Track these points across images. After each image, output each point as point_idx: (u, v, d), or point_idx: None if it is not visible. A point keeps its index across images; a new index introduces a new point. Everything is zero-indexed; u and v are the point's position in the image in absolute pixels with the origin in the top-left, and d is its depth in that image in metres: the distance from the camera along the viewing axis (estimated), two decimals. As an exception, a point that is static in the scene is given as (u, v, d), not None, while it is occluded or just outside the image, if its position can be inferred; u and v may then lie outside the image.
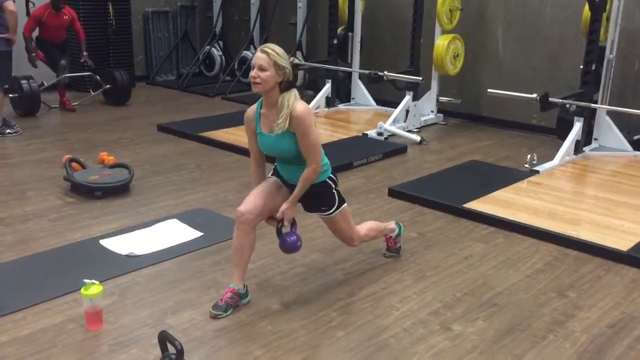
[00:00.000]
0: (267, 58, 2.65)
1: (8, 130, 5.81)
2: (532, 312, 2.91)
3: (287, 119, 2.68)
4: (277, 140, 2.75)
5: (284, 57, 2.69)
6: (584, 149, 5.39)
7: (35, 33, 6.62)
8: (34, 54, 6.51)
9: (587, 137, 5.43)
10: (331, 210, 2.92)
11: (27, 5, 6.85)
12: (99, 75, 7.26)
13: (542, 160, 5.05)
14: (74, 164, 4.63)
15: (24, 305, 2.84)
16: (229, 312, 2.80)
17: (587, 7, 5.31)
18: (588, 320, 2.84)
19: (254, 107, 2.85)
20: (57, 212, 3.99)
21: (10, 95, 6.39)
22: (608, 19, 5.34)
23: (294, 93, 2.74)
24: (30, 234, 3.66)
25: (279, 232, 2.87)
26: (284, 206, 2.82)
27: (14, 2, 5.46)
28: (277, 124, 2.70)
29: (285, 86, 2.71)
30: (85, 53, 6.94)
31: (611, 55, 5.35)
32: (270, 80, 2.66)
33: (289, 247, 2.86)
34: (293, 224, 2.88)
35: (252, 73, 2.68)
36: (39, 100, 6.53)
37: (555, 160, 5.07)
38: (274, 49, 2.68)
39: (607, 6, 5.26)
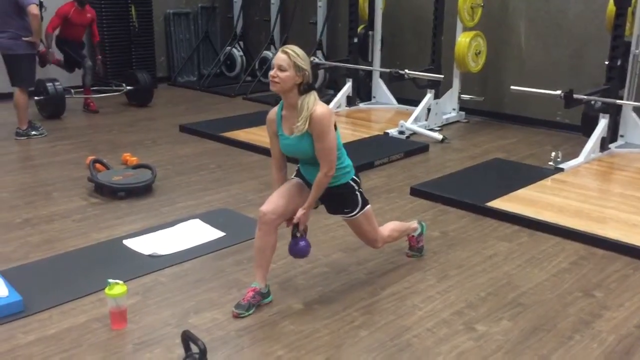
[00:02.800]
0: (287, 59, 2.65)
1: (33, 132, 5.89)
2: (558, 312, 2.87)
3: (307, 121, 2.67)
4: (297, 142, 2.75)
5: (305, 58, 2.69)
6: (610, 146, 5.30)
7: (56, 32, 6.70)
8: (49, 53, 6.57)
9: (612, 133, 5.34)
10: (354, 212, 2.91)
11: (40, 9, 6.92)
12: (122, 77, 7.35)
13: (566, 158, 4.98)
14: (98, 165, 4.68)
15: (49, 305, 2.87)
16: (251, 312, 2.80)
17: (611, 1, 5.22)
18: (615, 320, 2.79)
19: (275, 109, 2.86)
20: (81, 213, 4.03)
21: (36, 97, 6.48)
22: (633, 13, 5.24)
23: (314, 95, 2.73)
24: (55, 234, 3.71)
25: (293, 235, 2.87)
26: (299, 212, 2.81)
27: (37, 5, 5.53)
28: (296, 126, 2.70)
29: (305, 88, 2.70)
30: (99, 57, 7.02)
31: (637, 51, 5.25)
32: (288, 81, 2.66)
33: (298, 251, 2.88)
34: (305, 230, 2.89)
35: (272, 72, 2.68)
36: (64, 102, 6.61)
37: (581, 158, 4.99)
38: (295, 50, 2.68)
39: (633, 0, 5.16)
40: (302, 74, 2.67)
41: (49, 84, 6.46)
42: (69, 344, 2.60)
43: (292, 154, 2.84)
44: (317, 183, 2.77)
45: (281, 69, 2.66)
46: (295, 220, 2.83)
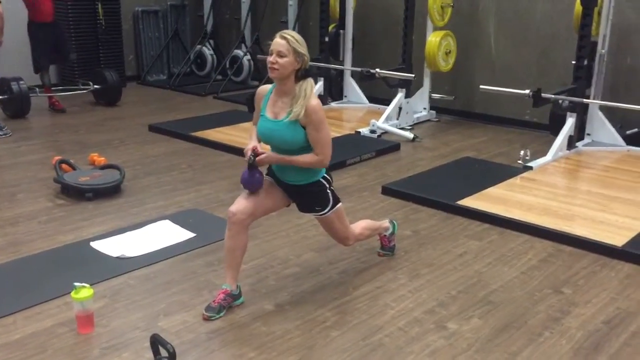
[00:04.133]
0: (286, 44, 2.62)
1: (-3, 132, 5.76)
2: (528, 309, 2.89)
3: (303, 108, 2.65)
4: (285, 127, 2.70)
5: (303, 44, 2.67)
6: (577, 144, 5.38)
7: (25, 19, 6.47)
8: None
9: (579, 132, 5.43)
10: (325, 211, 2.89)
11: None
12: (89, 76, 7.22)
13: (535, 156, 5.04)
14: (64, 166, 4.59)
15: (13, 310, 2.80)
16: (222, 314, 2.77)
17: (578, 2, 5.31)
18: (584, 317, 2.83)
19: (268, 86, 2.82)
20: (47, 215, 3.94)
21: (0, 96, 6.32)
22: (599, 13, 5.34)
23: (311, 82, 2.71)
24: (20, 236, 3.62)
25: (249, 165, 2.74)
26: (269, 153, 2.75)
27: (0, 2, 5.39)
28: (292, 110, 2.66)
29: (302, 74, 2.68)
30: None
31: (603, 50, 5.35)
32: (288, 67, 2.63)
33: (253, 183, 2.76)
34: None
35: (270, 59, 2.63)
36: (29, 101, 6.46)
37: (549, 156, 5.06)
38: (293, 36, 2.65)
39: (599, 1, 5.25)
40: (301, 60, 2.65)
41: (12, 83, 6.30)
42: (34, 349, 2.53)
43: (267, 138, 2.79)
44: (305, 157, 2.72)
45: (280, 54, 2.62)
46: (258, 150, 2.73)
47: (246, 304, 2.88)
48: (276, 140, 2.78)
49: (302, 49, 2.66)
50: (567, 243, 3.58)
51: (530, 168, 4.85)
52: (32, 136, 5.90)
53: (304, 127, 2.69)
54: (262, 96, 2.82)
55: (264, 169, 2.85)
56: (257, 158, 2.74)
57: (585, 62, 5.22)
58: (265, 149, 2.82)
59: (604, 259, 3.42)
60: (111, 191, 4.28)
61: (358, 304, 2.92)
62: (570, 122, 5.23)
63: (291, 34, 2.66)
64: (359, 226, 3.19)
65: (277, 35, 2.67)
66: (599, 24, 5.36)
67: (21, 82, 6.36)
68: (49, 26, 6.52)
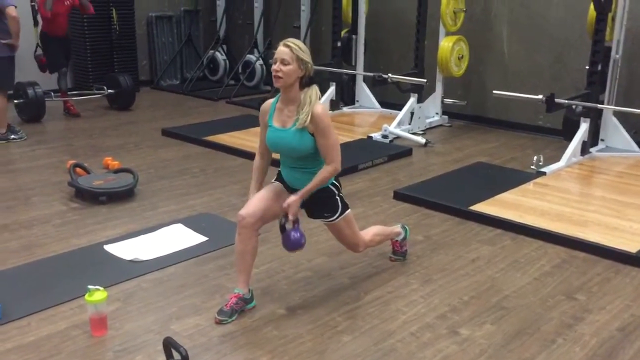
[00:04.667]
0: (290, 52, 2.63)
1: (13, 136, 5.81)
2: (541, 315, 2.88)
3: (309, 115, 2.66)
4: (288, 135, 2.71)
5: (306, 51, 2.68)
6: (591, 150, 5.35)
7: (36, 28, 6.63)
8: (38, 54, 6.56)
9: (593, 138, 5.40)
10: (334, 217, 2.89)
11: (34, 15, 6.83)
12: (103, 80, 7.29)
13: (548, 162, 5.02)
14: (79, 169, 4.62)
15: (28, 312, 2.82)
16: (234, 318, 2.78)
17: (592, 7, 5.28)
18: (597, 324, 2.81)
19: (271, 100, 2.84)
20: (61, 218, 3.98)
21: (15, 101, 6.40)
22: (613, 19, 5.31)
23: (315, 89, 2.72)
24: (34, 240, 3.65)
25: (282, 228, 2.77)
26: (290, 199, 2.74)
27: (15, 7, 5.46)
28: (298, 117, 2.68)
29: (307, 81, 2.70)
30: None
31: (617, 56, 5.31)
32: (292, 74, 2.64)
33: (292, 244, 2.78)
34: (296, 221, 2.78)
35: (275, 67, 2.65)
36: (44, 105, 6.53)
37: (562, 162, 5.03)
38: (297, 44, 2.67)
39: (613, 6, 5.23)
40: (304, 67, 2.66)
41: (28, 87, 6.37)
42: (48, 351, 2.55)
43: (276, 146, 2.81)
44: (320, 175, 2.73)
45: (284, 62, 2.64)
46: (284, 207, 2.74)
47: (258, 308, 2.89)
48: (284, 148, 2.80)
49: (306, 56, 2.67)
50: (580, 249, 3.56)
51: (544, 173, 4.83)
52: (47, 140, 5.95)
53: (312, 134, 2.70)
54: (266, 111, 2.83)
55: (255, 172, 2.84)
56: (288, 216, 2.73)
57: (599, 68, 5.19)
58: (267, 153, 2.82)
59: (618, 265, 3.39)
60: (125, 195, 4.31)
61: (370, 309, 2.92)
62: (584, 127, 5.20)
63: (294, 42, 2.67)
64: (370, 232, 3.19)
65: (281, 43, 2.69)
66: (612, 29, 5.33)
67: (37, 86, 6.44)
68: (61, 40, 6.67)
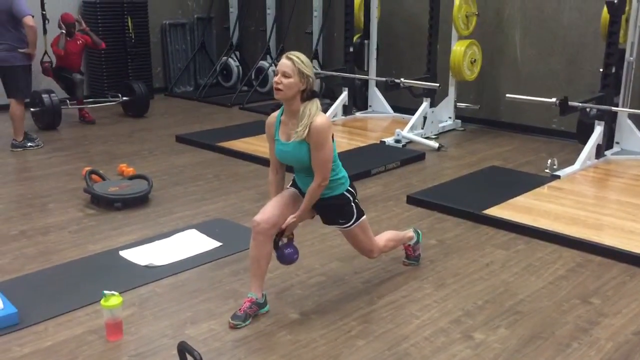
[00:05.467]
0: (291, 65, 2.65)
1: (29, 144, 5.89)
2: (556, 319, 2.86)
3: (307, 129, 2.67)
4: (293, 149, 2.75)
5: (308, 65, 2.70)
6: (606, 153, 5.31)
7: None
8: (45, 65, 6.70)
9: (608, 141, 5.36)
10: (349, 223, 2.90)
11: (44, 23, 6.95)
12: (118, 88, 7.38)
13: (562, 165, 4.99)
14: (94, 176, 4.67)
15: (45, 317, 2.86)
16: (247, 322, 2.79)
17: (605, 9, 5.25)
18: (613, 328, 2.79)
19: (275, 113, 2.85)
20: (77, 224, 4.02)
21: (32, 109, 6.48)
22: (627, 21, 5.28)
23: (316, 103, 2.73)
24: (51, 246, 3.70)
25: (275, 246, 2.86)
26: (289, 219, 2.81)
27: (32, 17, 5.54)
28: (296, 132, 2.70)
29: (308, 95, 2.71)
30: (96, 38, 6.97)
31: (631, 58, 5.27)
32: (293, 87, 2.66)
33: (286, 260, 2.89)
34: (291, 237, 2.90)
35: (276, 79, 2.68)
36: (60, 113, 6.61)
37: (577, 165, 5.00)
38: (299, 57, 2.68)
39: (626, 8, 5.20)
40: (305, 81, 2.68)
41: (44, 95, 6.45)
42: (65, 356, 2.58)
43: (286, 160, 2.84)
44: (310, 192, 2.77)
45: (285, 75, 2.65)
46: (283, 226, 2.81)
47: (272, 313, 2.90)
48: (291, 161, 2.82)
49: (308, 70, 2.68)
50: (595, 253, 3.53)
51: (558, 177, 4.80)
52: (62, 147, 6.02)
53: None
54: (271, 124, 2.85)
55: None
56: (283, 234, 2.83)
57: (613, 70, 5.16)
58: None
59: (634, 269, 3.36)
60: (139, 201, 4.35)
61: (383, 313, 2.92)
62: (598, 130, 5.17)
63: (297, 55, 2.69)
64: (383, 238, 3.19)
65: (284, 56, 2.71)
66: (626, 32, 5.29)
67: (52, 94, 6.52)
68: (74, 73, 6.83)
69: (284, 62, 2.67)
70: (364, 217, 2.95)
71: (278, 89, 2.67)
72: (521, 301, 3.03)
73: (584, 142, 5.22)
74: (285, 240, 2.87)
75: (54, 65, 6.77)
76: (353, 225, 2.91)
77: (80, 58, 6.93)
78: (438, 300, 3.04)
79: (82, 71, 7.02)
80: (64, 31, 6.59)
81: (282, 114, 2.81)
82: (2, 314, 2.77)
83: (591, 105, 5.13)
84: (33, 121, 6.59)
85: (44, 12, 6.82)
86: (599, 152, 5.21)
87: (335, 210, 2.89)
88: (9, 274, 3.30)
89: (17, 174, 5.32)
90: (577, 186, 4.71)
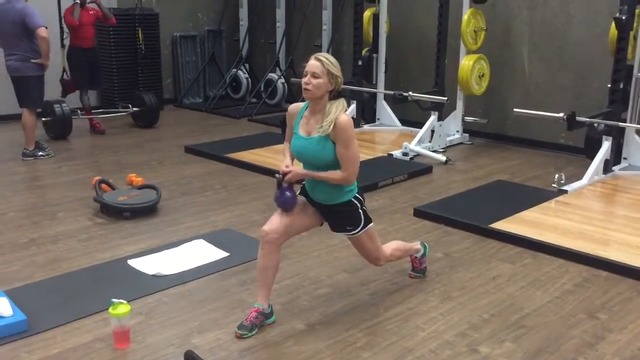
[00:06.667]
0: (321, 66, 2.70)
1: (40, 153, 5.95)
2: (562, 334, 2.86)
3: (332, 125, 2.70)
4: (311, 144, 2.76)
5: (337, 66, 2.75)
6: (613, 168, 5.31)
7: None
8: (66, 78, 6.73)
9: (616, 156, 5.36)
10: (357, 230, 2.92)
11: (61, 35, 7.04)
12: (128, 98, 7.45)
13: (570, 180, 4.99)
14: (104, 186, 4.71)
15: (53, 325, 2.88)
16: (254, 332, 2.81)
17: (613, 26, 5.27)
18: (619, 343, 2.78)
19: (300, 104, 2.89)
20: (86, 233, 4.06)
21: (43, 119, 6.55)
22: (635, 37, 5.29)
23: (342, 102, 2.78)
24: (60, 254, 3.73)
25: (278, 184, 2.82)
26: (296, 169, 2.80)
27: (45, 28, 5.62)
28: (321, 126, 2.73)
29: (335, 95, 2.76)
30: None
31: (639, 74, 5.29)
32: (322, 87, 2.70)
33: (284, 201, 2.83)
34: (291, 185, 2.84)
35: (305, 79, 2.71)
36: (71, 123, 6.68)
37: (584, 180, 5.00)
38: (328, 58, 2.73)
39: (634, 24, 5.22)
40: (334, 81, 2.72)
41: (56, 105, 6.53)
42: (73, 363, 2.60)
43: (300, 155, 2.85)
44: (330, 173, 2.77)
45: (314, 75, 2.69)
46: (284, 169, 2.80)
47: (278, 323, 2.91)
48: (308, 157, 2.84)
49: (336, 71, 2.73)
50: (602, 268, 3.53)
51: (565, 192, 4.80)
52: (73, 157, 6.08)
53: (334, 143, 2.74)
54: (294, 114, 2.88)
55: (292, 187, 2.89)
56: (285, 178, 2.80)
57: (621, 86, 5.17)
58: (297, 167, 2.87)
59: (641, 284, 3.36)
60: (148, 211, 4.38)
61: (389, 325, 2.93)
62: (606, 145, 5.17)
63: (326, 57, 2.74)
64: (390, 247, 3.21)
65: (312, 57, 2.74)
66: (634, 48, 5.31)
67: (64, 104, 6.59)
68: (88, 51, 6.81)
69: (313, 63, 2.71)
70: (372, 224, 2.97)
71: (307, 89, 2.71)
72: (527, 315, 3.03)
73: (592, 157, 5.23)
74: (286, 184, 2.82)
75: (68, 42, 6.74)
76: (361, 232, 2.93)
77: (93, 30, 6.89)
78: (444, 313, 3.05)
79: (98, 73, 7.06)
80: (78, 1, 6.60)
81: (305, 109, 2.84)
82: (11, 321, 2.80)
83: (599, 120, 5.14)
84: (44, 131, 6.66)
85: (62, 25, 6.91)
86: (607, 167, 5.21)
87: (344, 216, 2.91)
88: (19, 282, 3.33)
89: (27, 182, 5.37)
90: (585, 201, 4.71)
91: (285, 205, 2.85)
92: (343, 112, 2.74)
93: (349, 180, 2.79)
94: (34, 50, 5.62)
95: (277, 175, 2.82)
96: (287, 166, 2.83)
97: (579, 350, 2.72)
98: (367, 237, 2.97)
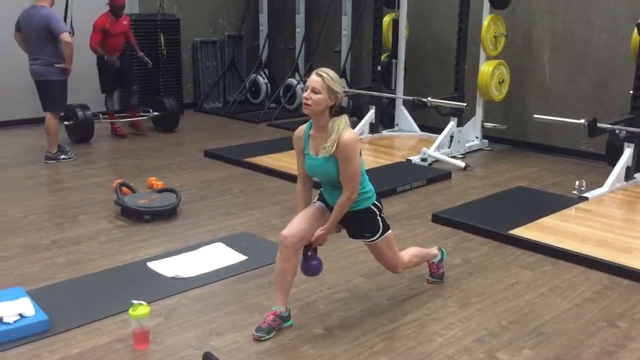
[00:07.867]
0: (321, 81, 2.70)
1: (62, 156, 6.03)
2: (581, 341, 2.83)
3: (335, 144, 2.71)
4: (321, 163, 2.78)
5: (338, 82, 2.74)
6: (635, 175, 5.24)
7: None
8: (108, 57, 6.84)
9: (637, 163, 5.28)
10: (375, 237, 2.92)
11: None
12: (149, 103, 7.53)
13: (591, 187, 4.94)
14: (124, 189, 4.77)
15: (74, 325, 2.92)
16: (271, 335, 2.82)
17: (636, 31, 5.22)
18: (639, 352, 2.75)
19: (303, 127, 2.90)
20: (107, 235, 4.11)
21: (66, 122, 6.65)
22: (658, 43, 5.24)
23: (345, 119, 2.77)
24: (81, 255, 3.78)
25: (305, 255, 2.90)
26: (318, 232, 2.85)
27: (69, 33, 5.70)
28: (324, 147, 2.74)
29: (336, 111, 2.75)
30: (141, 53, 7.18)
31: (662, 80, 5.23)
32: (321, 103, 2.71)
33: (312, 270, 2.94)
34: (316, 250, 2.94)
35: (305, 94, 2.73)
36: (93, 127, 6.77)
37: (605, 187, 4.95)
38: (329, 74, 2.73)
39: (657, 30, 5.16)
40: (334, 97, 2.72)
41: (78, 110, 6.63)
42: (93, 363, 2.64)
43: (315, 174, 2.88)
44: (339, 205, 2.80)
45: (314, 91, 2.70)
46: (312, 239, 2.86)
47: (295, 327, 2.92)
48: (320, 175, 2.86)
49: (337, 87, 2.72)
50: (623, 276, 3.49)
51: (586, 199, 4.76)
52: (94, 160, 6.16)
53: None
54: (300, 137, 2.90)
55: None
56: (313, 243, 2.89)
57: (644, 92, 5.11)
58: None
59: (663, 293, 3.31)
60: (168, 214, 4.42)
61: (406, 331, 2.92)
62: (627, 152, 5.12)
63: (327, 72, 2.73)
64: (408, 254, 3.20)
65: (314, 72, 2.75)
66: (657, 53, 5.25)
67: (86, 109, 6.69)
68: (117, 59, 6.91)
69: (314, 79, 2.72)
70: (390, 231, 2.97)
71: (307, 104, 2.72)
72: (546, 322, 3.00)
73: (613, 164, 5.17)
74: (314, 253, 2.91)
75: (100, 53, 6.83)
76: (379, 240, 2.93)
77: (124, 40, 7.02)
78: (462, 319, 3.04)
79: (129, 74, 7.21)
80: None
81: (310, 128, 2.86)
82: (33, 321, 2.84)
83: (620, 127, 5.09)
84: (67, 134, 6.75)
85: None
86: (629, 174, 5.15)
87: (362, 223, 2.92)
88: (41, 282, 3.38)
89: (50, 185, 5.46)
90: (606, 208, 4.66)
91: (313, 274, 2.98)
92: (346, 129, 2.74)
93: (351, 199, 2.79)
94: (57, 55, 5.71)
95: (306, 249, 2.90)
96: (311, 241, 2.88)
97: (599, 358, 2.70)
98: (385, 244, 2.97)
